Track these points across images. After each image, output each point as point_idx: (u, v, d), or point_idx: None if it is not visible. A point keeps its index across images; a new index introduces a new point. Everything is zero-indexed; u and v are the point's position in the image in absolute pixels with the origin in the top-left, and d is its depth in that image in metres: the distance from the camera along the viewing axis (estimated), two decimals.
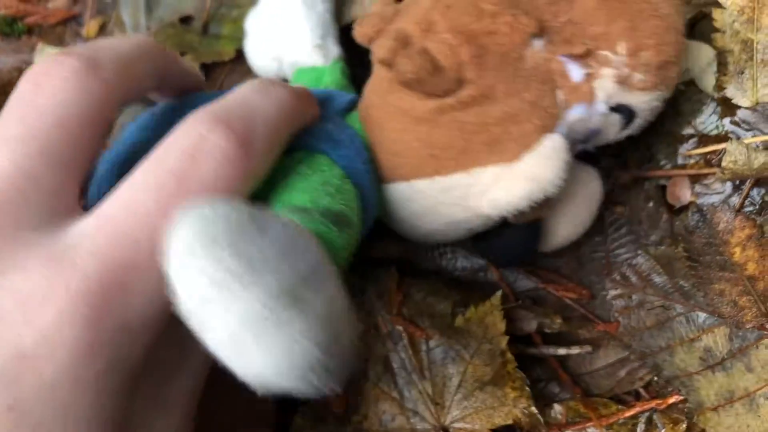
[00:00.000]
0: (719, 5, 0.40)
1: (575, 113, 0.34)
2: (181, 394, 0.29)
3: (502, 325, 0.40)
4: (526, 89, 0.33)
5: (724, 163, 0.38)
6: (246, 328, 0.19)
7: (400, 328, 0.42)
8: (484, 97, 0.32)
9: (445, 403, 0.41)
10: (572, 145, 0.35)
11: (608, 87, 0.34)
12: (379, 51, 0.33)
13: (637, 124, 0.36)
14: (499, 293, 0.41)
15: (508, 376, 0.40)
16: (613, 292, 0.42)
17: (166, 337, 0.28)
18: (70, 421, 0.23)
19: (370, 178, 0.34)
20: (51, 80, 0.26)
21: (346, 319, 0.23)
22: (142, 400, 0.26)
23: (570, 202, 0.37)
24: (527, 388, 0.40)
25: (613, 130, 0.36)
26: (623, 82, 0.33)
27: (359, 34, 0.37)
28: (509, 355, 0.40)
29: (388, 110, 0.35)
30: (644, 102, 0.35)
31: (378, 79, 0.36)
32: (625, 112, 0.35)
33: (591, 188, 0.39)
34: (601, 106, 0.34)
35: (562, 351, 0.42)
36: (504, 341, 0.40)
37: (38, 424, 0.22)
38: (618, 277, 0.42)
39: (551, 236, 0.38)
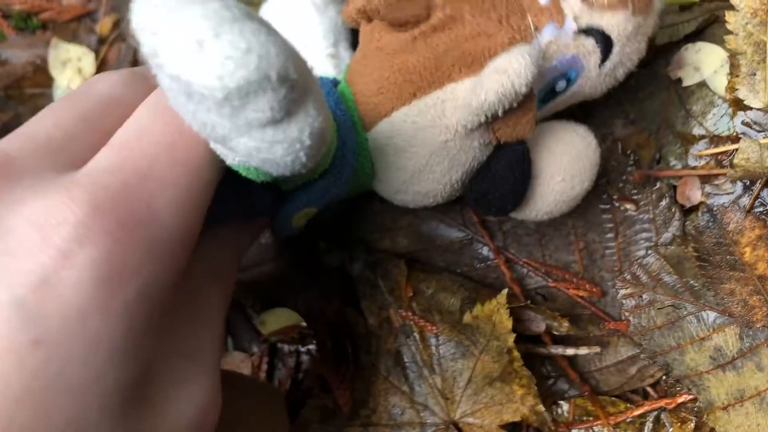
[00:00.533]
0: (732, 8, 0.40)
1: (546, 34, 0.34)
2: (211, 343, 0.28)
3: (508, 323, 0.41)
4: (494, 10, 0.34)
5: (736, 160, 0.39)
6: (207, 25, 0.20)
7: (411, 322, 0.43)
8: (452, 20, 0.34)
9: (455, 398, 0.41)
10: (553, 78, 0.36)
11: (574, 6, 0.34)
12: (356, 3, 0.36)
13: (617, 57, 0.36)
14: (504, 291, 0.41)
15: (515, 373, 0.41)
16: (623, 292, 0.42)
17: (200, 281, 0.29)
18: (104, 364, 0.22)
19: (343, 113, 0.35)
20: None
21: (290, 45, 0.23)
22: (172, 344, 0.26)
23: (559, 154, 0.37)
24: (534, 387, 0.40)
25: (593, 60, 0.36)
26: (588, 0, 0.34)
27: (345, 15, 0.38)
28: (515, 353, 0.41)
29: (368, 56, 0.36)
30: (615, 25, 0.35)
31: (362, 38, 0.38)
32: (598, 36, 0.35)
33: (582, 143, 0.38)
34: (570, 26, 0.35)
35: (570, 351, 0.43)
36: (511, 339, 0.41)
37: (68, 358, 0.21)
38: (628, 276, 0.42)
39: (545, 189, 0.37)
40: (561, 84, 0.36)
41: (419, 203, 0.38)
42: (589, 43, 0.35)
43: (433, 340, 0.42)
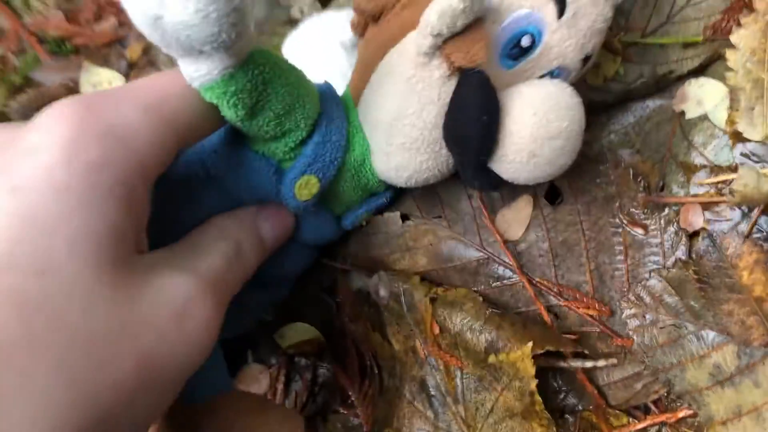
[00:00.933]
0: (733, 47, 0.43)
1: None
2: (206, 267, 0.33)
3: (531, 370, 0.42)
4: None
5: (735, 186, 0.41)
6: None
7: (436, 356, 0.45)
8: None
9: (476, 425, 0.43)
10: (513, 33, 0.38)
11: None
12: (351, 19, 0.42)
13: (573, 6, 0.38)
14: (530, 344, 0.42)
15: (536, 414, 0.42)
16: (628, 312, 0.44)
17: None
18: (71, 210, 0.26)
19: (332, 93, 0.40)
20: None
21: None
22: (166, 257, 0.32)
23: (530, 93, 0.37)
24: (554, 428, 0.42)
25: (550, 11, 0.38)
26: None
27: (352, 27, 0.43)
28: (537, 398, 0.42)
29: (366, 50, 0.41)
30: None
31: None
32: None
33: (555, 87, 0.38)
34: None
35: (589, 364, 0.44)
36: (533, 384, 0.42)
37: (38, 203, 0.26)
38: (632, 297, 0.44)
39: (518, 125, 0.37)
40: (526, 40, 0.38)
41: (411, 163, 0.40)
42: None
43: (457, 373, 0.44)
